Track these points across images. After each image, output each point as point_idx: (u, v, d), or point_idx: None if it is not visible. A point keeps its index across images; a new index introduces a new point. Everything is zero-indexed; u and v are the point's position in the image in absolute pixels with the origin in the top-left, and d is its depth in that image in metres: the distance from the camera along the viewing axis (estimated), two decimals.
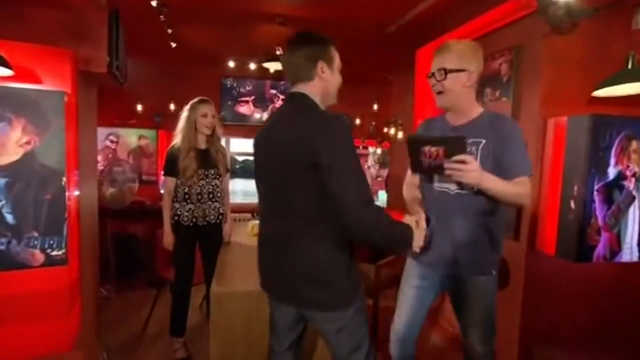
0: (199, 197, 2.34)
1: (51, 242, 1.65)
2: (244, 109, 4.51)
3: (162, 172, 2.38)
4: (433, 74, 1.45)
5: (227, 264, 2.06)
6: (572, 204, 1.92)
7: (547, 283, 2.13)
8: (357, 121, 4.63)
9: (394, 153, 4.16)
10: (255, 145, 1.34)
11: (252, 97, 4.52)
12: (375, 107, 4.57)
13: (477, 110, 1.49)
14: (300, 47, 1.24)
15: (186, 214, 2.33)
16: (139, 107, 4.14)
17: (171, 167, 2.31)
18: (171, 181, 2.33)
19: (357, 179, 1.10)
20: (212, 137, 2.40)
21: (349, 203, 1.07)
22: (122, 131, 4.18)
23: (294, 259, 1.21)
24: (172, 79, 4.25)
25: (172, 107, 4.22)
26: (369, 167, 4.69)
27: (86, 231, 2.15)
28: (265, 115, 4.56)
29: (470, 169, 1.25)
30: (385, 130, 4.49)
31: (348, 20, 3.35)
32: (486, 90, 2.52)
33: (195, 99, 2.37)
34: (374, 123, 4.62)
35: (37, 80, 1.67)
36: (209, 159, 2.38)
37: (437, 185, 1.50)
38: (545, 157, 2.12)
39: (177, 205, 2.34)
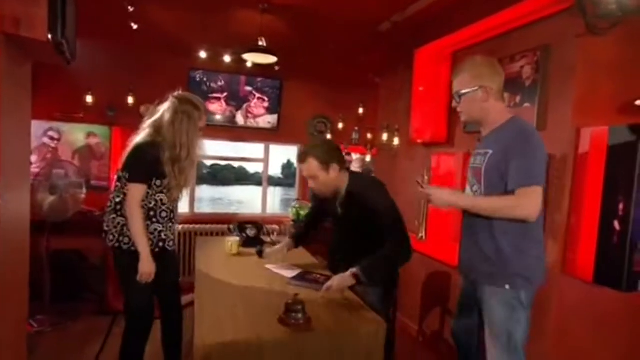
0: (173, 215, 1.92)
1: None
2: (214, 107, 3.98)
3: (129, 175, 1.74)
4: (453, 95, 1.56)
5: (208, 305, 1.53)
6: (617, 225, 1.70)
7: (581, 314, 1.88)
8: (340, 125, 4.28)
9: (381, 161, 3.84)
10: None
11: (225, 94, 4.01)
12: (361, 110, 4.23)
13: (502, 118, 1.50)
14: None
15: (172, 237, 1.90)
16: (89, 99, 3.47)
17: (152, 170, 1.75)
18: (142, 190, 1.75)
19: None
20: None
21: None
22: (65, 126, 3.48)
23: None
24: (131, 68, 3.62)
25: (130, 100, 3.59)
26: None
27: (12, 255, 1.58)
28: (239, 115, 4.07)
29: (431, 193, 1.52)
30: (369, 136, 4.18)
31: (337, 14, 3.02)
32: (504, 95, 2.26)
33: (199, 102, 1.91)
34: (356, 128, 4.29)
35: None
36: None
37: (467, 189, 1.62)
38: (577, 171, 1.88)
39: (159, 227, 1.82)
